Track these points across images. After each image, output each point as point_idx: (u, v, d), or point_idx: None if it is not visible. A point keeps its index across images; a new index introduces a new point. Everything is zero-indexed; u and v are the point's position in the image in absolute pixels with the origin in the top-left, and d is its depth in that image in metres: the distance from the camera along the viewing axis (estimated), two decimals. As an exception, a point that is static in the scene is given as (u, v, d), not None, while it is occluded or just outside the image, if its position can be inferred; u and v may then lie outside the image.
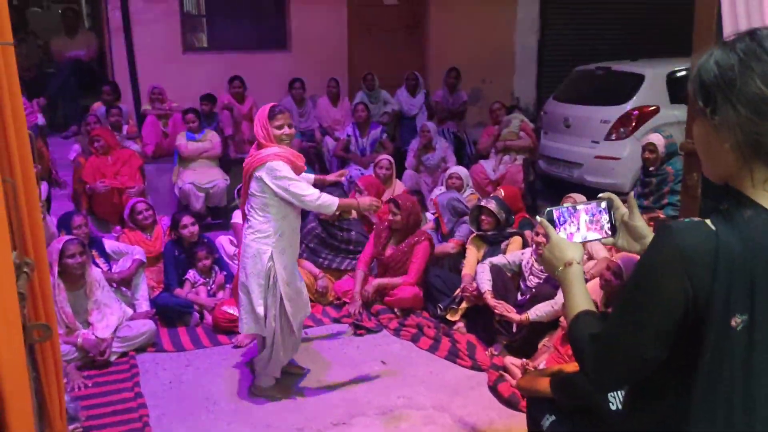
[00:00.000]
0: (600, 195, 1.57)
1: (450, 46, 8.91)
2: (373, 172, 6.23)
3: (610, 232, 1.55)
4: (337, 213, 4.08)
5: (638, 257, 1.35)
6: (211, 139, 6.92)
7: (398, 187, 6.15)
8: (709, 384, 1.13)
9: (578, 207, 1.53)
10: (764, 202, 1.15)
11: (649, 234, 1.54)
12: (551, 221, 1.52)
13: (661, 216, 4.78)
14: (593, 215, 1.54)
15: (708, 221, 1.15)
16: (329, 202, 3.54)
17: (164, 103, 7.59)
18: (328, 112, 7.98)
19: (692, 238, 1.13)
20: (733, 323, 1.10)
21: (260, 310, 3.61)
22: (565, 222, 1.53)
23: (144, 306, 4.72)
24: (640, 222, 1.54)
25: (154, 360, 4.29)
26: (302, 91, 7.98)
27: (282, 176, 3.45)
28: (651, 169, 5.22)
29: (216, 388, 3.94)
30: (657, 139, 5.27)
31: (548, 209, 1.55)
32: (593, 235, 1.56)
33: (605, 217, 1.54)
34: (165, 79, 7.69)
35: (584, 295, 1.42)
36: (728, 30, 2.45)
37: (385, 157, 6.30)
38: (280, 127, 3.51)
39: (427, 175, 7.05)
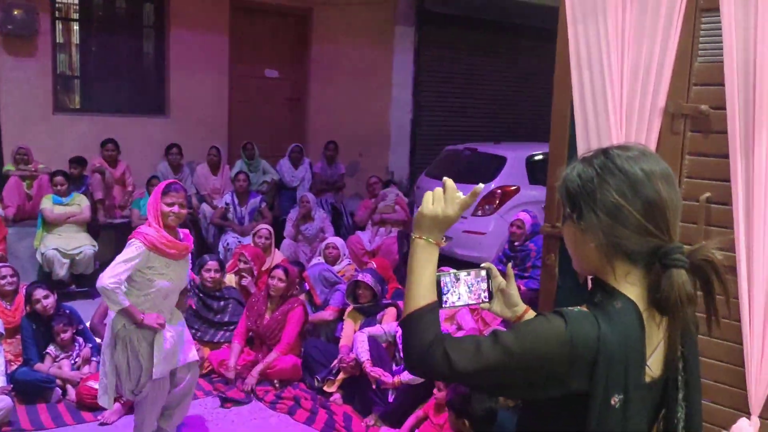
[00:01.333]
0: (482, 265, 1.72)
1: (329, 119, 9.21)
2: (252, 241, 6.25)
3: (487, 299, 1.71)
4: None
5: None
6: (79, 203, 6.66)
7: (277, 257, 6.19)
8: None
9: (460, 276, 1.65)
10: (628, 293, 1.34)
11: (520, 303, 1.71)
12: (438, 288, 1.65)
13: (522, 288, 5.15)
14: (472, 285, 1.68)
15: (589, 311, 1.32)
16: (117, 300, 3.34)
17: (30, 164, 7.24)
18: (207, 180, 7.93)
19: (582, 328, 1.29)
20: (612, 401, 1.27)
21: (106, 381, 3.55)
22: (448, 291, 1.66)
23: (0, 381, 4.39)
24: (515, 291, 1.71)
25: (9, 440, 4.00)
26: (179, 157, 7.90)
27: (122, 253, 3.39)
28: (516, 244, 5.64)
29: (79, 470, 3.73)
30: (525, 216, 5.77)
31: (436, 274, 1.66)
32: (472, 302, 1.70)
33: (483, 285, 1.68)
34: (33, 140, 7.36)
35: (434, 282, 1.48)
36: (580, 136, 2.81)
37: (264, 227, 6.35)
38: (170, 204, 3.45)
39: (305, 245, 7.14)
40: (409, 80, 9.97)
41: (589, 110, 2.83)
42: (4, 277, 4.94)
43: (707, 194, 2.58)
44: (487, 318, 5.03)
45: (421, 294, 1.44)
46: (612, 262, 1.35)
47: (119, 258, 3.38)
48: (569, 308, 1.34)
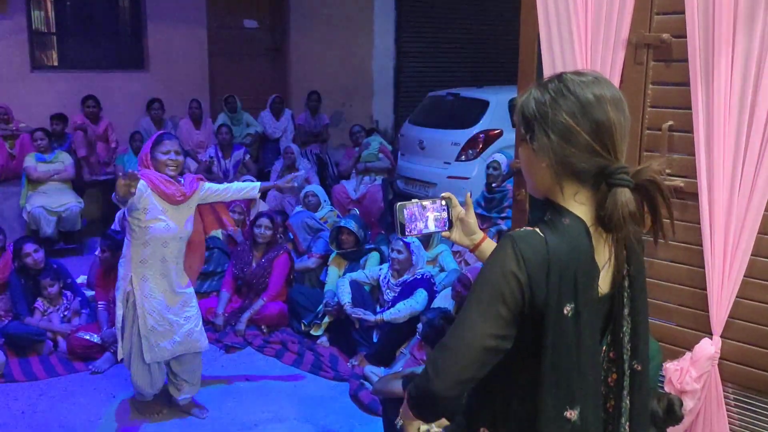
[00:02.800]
0: (442, 195, 1.79)
1: (311, 69, 9.13)
2: (236, 193, 6.29)
3: (447, 227, 1.78)
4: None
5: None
6: (62, 161, 6.66)
7: (261, 208, 6.24)
8: (553, 361, 1.36)
9: (425, 205, 1.74)
10: (576, 211, 1.41)
11: (478, 232, 1.79)
12: (402, 218, 1.71)
13: (504, 228, 5.22)
14: (436, 213, 1.76)
15: (537, 229, 1.38)
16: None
17: (10, 123, 7.20)
18: (191, 134, 7.90)
19: (529, 244, 1.35)
20: (565, 311, 1.34)
21: (117, 332, 3.64)
22: (415, 219, 1.74)
23: (-9, 335, 4.49)
24: (473, 220, 1.79)
25: (4, 391, 4.09)
26: (161, 112, 7.86)
27: None
28: (494, 185, 5.68)
29: (73, 416, 3.83)
30: (501, 158, 5.77)
31: (399, 204, 1.73)
32: (436, 229, 1.78)
33: (444, 213, 1.77)
34: (11, 99, 7.31)
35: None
36: (547, 70, 2.83)
37: (248, 179, 6.37)
38: (166, 152, 3.42)
39: (290, 196, 7.18)
40: (391, 27, 9.86)
41: (555, 44, 2.84)
42: (-17, 236, 4.97)
43: (670, 122, 2.61)
44: (470, 259, 5.12)
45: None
46: (561, 182, 1.41)
47: None
48: (516, 230, 1.41)
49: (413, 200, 1.75)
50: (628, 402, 1.46)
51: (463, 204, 1.81)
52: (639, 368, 1.47)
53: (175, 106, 8.08)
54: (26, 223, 6.43)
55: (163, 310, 3.54)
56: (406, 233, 1.74)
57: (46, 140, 6.53)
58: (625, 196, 1.35)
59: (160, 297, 3.52)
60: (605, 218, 1.37)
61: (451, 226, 1.79)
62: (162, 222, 3.43)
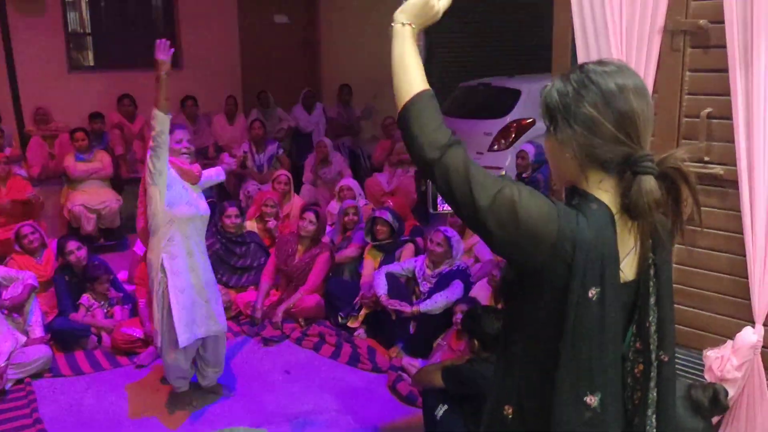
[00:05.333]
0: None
1: (341, 63, 9.15)
2: (271, 187, 6.36)
3: None
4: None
5: None
6: (101, 159, 6.79)
7: (296, 202, 6.30)
8: (574, 342, 1.36)
9: None
10: (601, 198, 1.42)
11: None
12: (434, 192, 1.72)
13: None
14: None
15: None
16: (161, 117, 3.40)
17: (50, 124, 7.38)
18: (224, 130, 8.01)
19: (567, 218, 1.36)
20: (590, 294, 1.35)
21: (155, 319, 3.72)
22: None
23: (38, 331, 4.59)
24: None
25: (52, 385, 4.21)
26: (195, 109, 7.97)
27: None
28: (524, 176, 5.66)
29: (119, 409, 3.93)
30: (528, 147, 5.77)
31: None
32: None
33: None
34: (50, 99, 7.49)
35: (420, 66, 1.54)
36: (581, 58, 2.81)
37: (282, 173, 6.44)
38: (179, 141, 3.61)
39: (324, 189, 7.23)
40: (420, 18, 9.77)
41: (589, 33, 2.82)
42: (25, 236, 5.09)
43: (708, 109, 2.58)
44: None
45: (418, 80, 1.52)
46: (586, 171, 1.43)
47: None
48: (560, 203, 1.42)
49: None
50: (654, 394, 1.46)
51: None
52: (666, 359, 1.47)
53: (209, 101, 8.19)
54: (67, 221, 6.58)
55: (191, 288, 3.62)
56: (439, 208, 1.76)
57: (87, 140, 6.66)
58: (649, 183, 1.36)
59: (187, 274, 3.61)
60: (630, 206, 1.39)
61: None
62: (184, 199, 3.58)
